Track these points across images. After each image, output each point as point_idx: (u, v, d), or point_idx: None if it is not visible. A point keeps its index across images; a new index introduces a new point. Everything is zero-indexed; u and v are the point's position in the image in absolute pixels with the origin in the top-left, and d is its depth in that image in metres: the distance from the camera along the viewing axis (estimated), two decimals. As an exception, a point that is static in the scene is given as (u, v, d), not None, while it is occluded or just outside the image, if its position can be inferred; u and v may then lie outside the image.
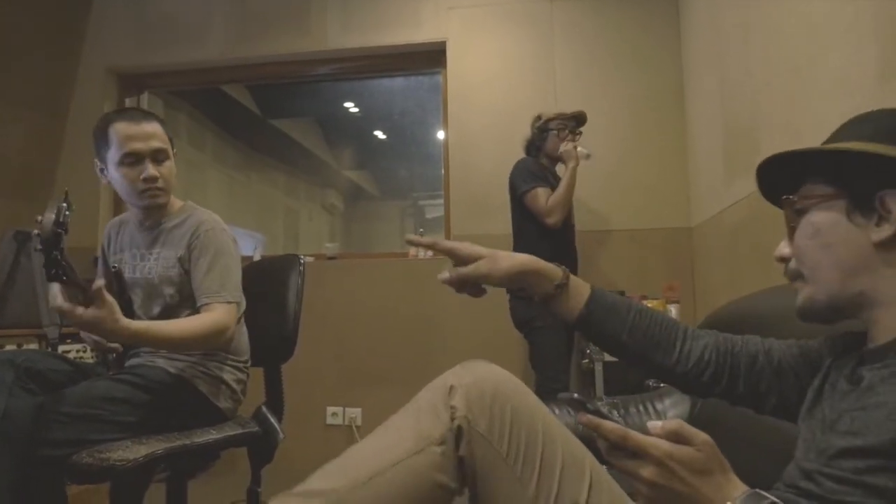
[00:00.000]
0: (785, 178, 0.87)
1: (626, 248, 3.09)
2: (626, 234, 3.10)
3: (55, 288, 1.28)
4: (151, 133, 1.63)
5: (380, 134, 6.29)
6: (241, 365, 1.74)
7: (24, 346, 2.37)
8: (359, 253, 3.56)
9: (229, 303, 1.60)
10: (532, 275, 0.99)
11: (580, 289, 1.00)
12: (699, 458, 0.69)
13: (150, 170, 1.62)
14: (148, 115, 1.68)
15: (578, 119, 2.72)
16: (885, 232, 0.76)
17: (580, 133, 2.72)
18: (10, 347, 2.40)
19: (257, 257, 3.31)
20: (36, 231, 1.41)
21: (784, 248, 0.88)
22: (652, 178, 3.10)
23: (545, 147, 2.69)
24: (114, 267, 1.70)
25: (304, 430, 2.94)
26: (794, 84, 1.83)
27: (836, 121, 0.86)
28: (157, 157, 1.64)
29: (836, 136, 0.86)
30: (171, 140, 1.70)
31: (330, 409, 3.16)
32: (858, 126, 0.85)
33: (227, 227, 1.73)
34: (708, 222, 2.76)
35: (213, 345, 1.60)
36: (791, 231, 0.86)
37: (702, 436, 0.70)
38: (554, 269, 0.99)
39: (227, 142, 5.95)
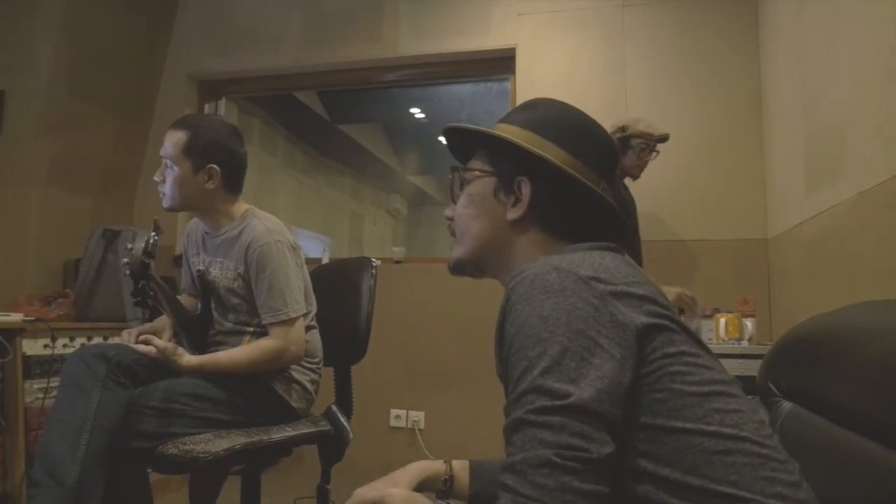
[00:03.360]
0: (467, 147, 0.97)
1: (697, 260, 3.00)
2: (698, 245, 3.00)
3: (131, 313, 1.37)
4: (167, 141, 1.69)
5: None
6: (314, 366, 1.78)
7: (110, 339, 2.50)
8: (424, 257, 3.58)
9: (292, 319, 1.64)
10: (427, 481, 0.95)
11: (463, 472, 0.97)
12: None
13: (157, 174, 1.72)
14: (176, 124, 1.72)
15: (661, 140, 2.60)
16: (517, 212, 0.87)
17: (657, 152, 2.63)
18: (96, 340, 2.54)
19: (326, 260, 3.38)
20: (125, 259, 1.49)
21: (449, 211, 0.98)
22: (726, 186, 3.00)
23: (622, 160, 2.53)
24: (198, 270, 1.77)
25: (368, 432, 2.96)
26: (886, 86, 1.74)
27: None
28: (165, 163, 1.70)
29: (508, 117, 0.94)
30: (197, 151, 1.67)
31: (393, 412, 3.19)
32: (524, 111, 0.94)
33: (285, 232, 1.73)
34: (786, 234, 2.64)
35: (274, 368, 1.65)
36: (456, 197, 0.96)
37: (386, 493, 0.80)
38: (439, 467, 0.96)
39: (296, 146, 6.10)
